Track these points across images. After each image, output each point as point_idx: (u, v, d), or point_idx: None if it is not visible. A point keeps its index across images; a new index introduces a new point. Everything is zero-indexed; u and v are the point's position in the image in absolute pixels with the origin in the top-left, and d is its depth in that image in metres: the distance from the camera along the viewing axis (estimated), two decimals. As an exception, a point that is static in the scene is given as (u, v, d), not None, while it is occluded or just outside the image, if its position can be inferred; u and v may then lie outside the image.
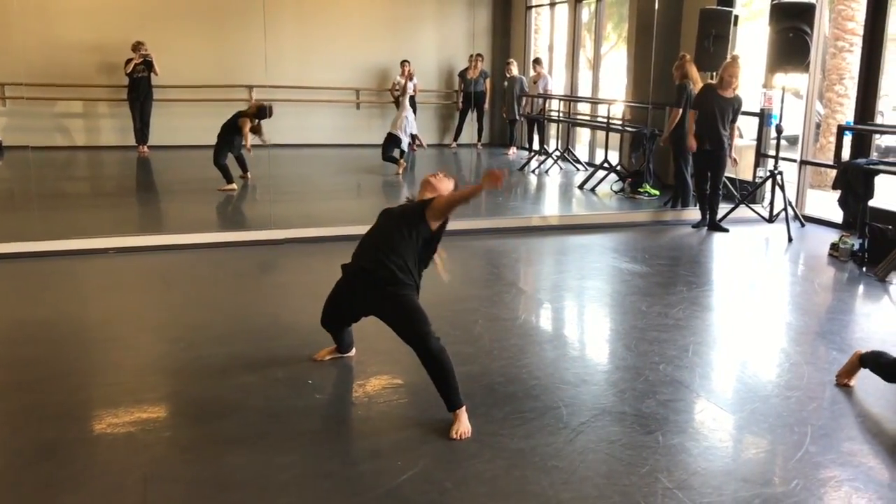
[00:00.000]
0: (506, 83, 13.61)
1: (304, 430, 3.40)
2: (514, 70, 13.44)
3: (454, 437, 3.31)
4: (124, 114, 12.60)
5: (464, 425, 3.37)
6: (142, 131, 12.51)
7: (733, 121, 7.63)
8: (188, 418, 3.55)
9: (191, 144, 12.73)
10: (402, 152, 11.21)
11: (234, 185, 9.27)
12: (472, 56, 14.04)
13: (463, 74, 14.14)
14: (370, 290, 3.63)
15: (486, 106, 14.20)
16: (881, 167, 7.21)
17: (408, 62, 13.56)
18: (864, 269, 6.44)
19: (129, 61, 12.09)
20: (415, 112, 13.81)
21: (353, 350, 4.23)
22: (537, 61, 13.31)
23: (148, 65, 12.14)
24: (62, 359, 4.19)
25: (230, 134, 9.37)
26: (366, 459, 3.24)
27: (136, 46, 12.06)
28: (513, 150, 13.51)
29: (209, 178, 9.46)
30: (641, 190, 9.46)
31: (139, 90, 12.25)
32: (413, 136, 11.48)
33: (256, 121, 9.51)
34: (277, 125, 12.72)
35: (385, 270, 3.56)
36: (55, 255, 6.25)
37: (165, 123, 12.76)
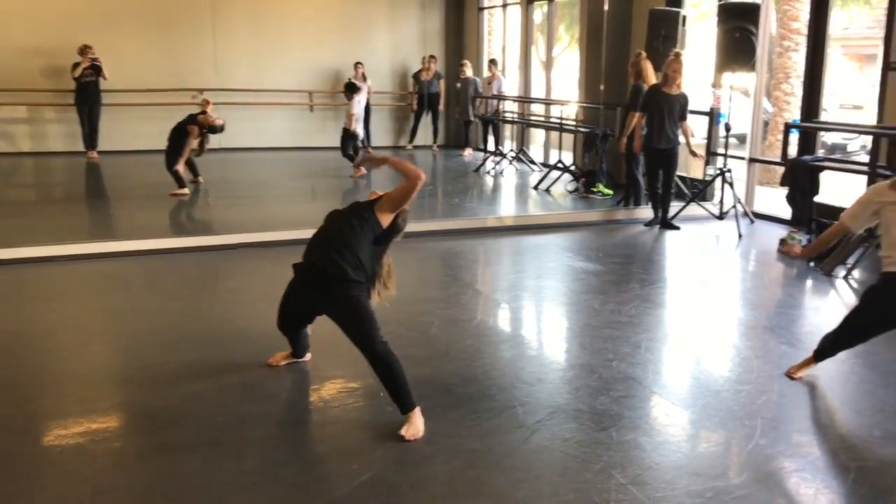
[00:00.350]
0: (459, 84, 13.65)
1: (258, 437, 3.37)
2: (468, 71, 13.48)
3: (405, 438, 3.30)
4: (72, 119, 12.36)
5: (414, 426, 3.35)
6: (90, 136, 12.29)
7: (682, 117, 7.73)
8: (139, 428, 3.49)
9: (141, 149, 12.56)
10: (357, 148, 11.16)
11: (187, 190, 9.14)
12: (425, 58, 14.06)
13: (417, 76, 14.15)
14: (321, 287, 3.60)
15: (441, 107, 14.25)
16: (826, 164, 7.40)
17: (361, 64, 13.53)
18: (811, 264, 6.58)
19: (76, 65, 11.85)
20: (369, 115, 13.80)
21: (309, 355, 4.20)
22: (493, 62, 13.37)
23: (96, 69, 11.92)
24: (8, 370, 4.09)
25: (181, 138, 9.25)
26: (321, 464, 3.22)
27: (84, 50, 11.83)
28: (468, 152, 13.56)
29: (161, 182, 9.32)
30: (595, 189, 9.56)
31: (87, 95, 12.02)
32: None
33: (206, 133, 9.41)
34: (231, 129, 12.59)
35: (335, 267, 3.53)
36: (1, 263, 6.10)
37: (115, 128, 12.54)
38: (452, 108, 14.26)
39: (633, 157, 8.40)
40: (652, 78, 8.29)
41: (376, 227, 3.67)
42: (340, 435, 3.42)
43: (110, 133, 12.48)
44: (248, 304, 5.34)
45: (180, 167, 9.23)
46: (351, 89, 11.19)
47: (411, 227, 7.74)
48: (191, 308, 5.28)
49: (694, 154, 8.03)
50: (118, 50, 12.40)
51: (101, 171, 11.47)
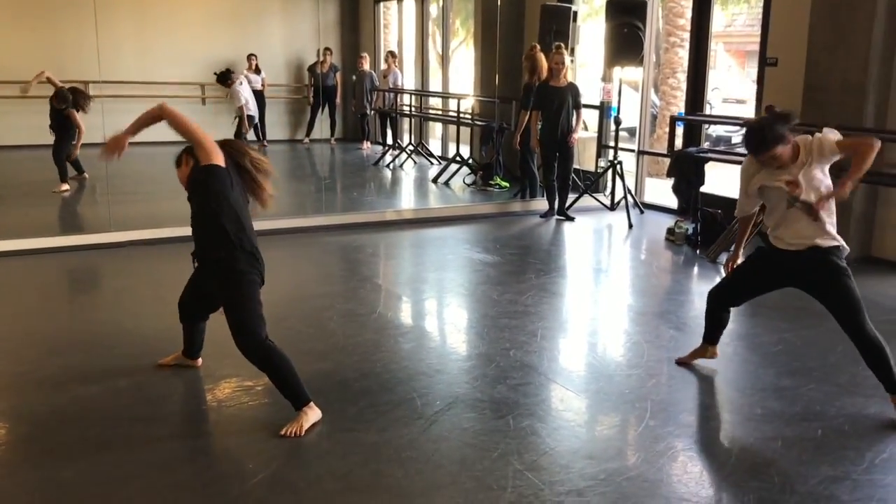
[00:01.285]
0: (354, 77, 13.54)
1: (149, 439, 3.26)
2: (366, 65, 13.39)
3: (284, 434, 3.24)
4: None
5: (297, 424, 3.29)
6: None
7: (576, 106, 7.89)
8: (20, 436, 3.33)
9: (18, 144, 11.89)
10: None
11: (68, 186, 8.74)
12: (320, 50, 13.88)
13: (312, 69, 13.95)
14: (210, 275, 3.51)
15: (338, 101, 14.10)
16: (711, 155, 7.71)
17: (254, 56, 13.25)
18: (697, 251, 6.86)
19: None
20: (264, 107, 13.53)
21: (200, 361, 4.06)
22: (391, 55, 13.34)
23: (-32, 59, 11.21)
24: None
25: (66, 128, 8.85)
26: (217, 464, 3.15)
27: (-47, 39, 11.12)
28: (367, 145, 13.48)
29: (43, 179, 8.88)
30: (492, 182, 9.67)
31: (-40, 87, 11.29)
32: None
33: (85, 104, 9.07)
34: (118, 122, 12.08)
35: (210, 251, 3.46)
36: None
37: (-7, 122, 11.85)
38: (349, 101, 14.12)
39: (528, 150, 8.54)
40: (545, 71, 8.44)
41: (204, 181, 3.52)
42: (236, 434, 3.35)
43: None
44: (136, 303, 5.16)
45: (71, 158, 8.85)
46: (223, 79, 10.83)
47: (309, 220, 7.71)
48: (74, 309, 5.07)
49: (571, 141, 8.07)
50: (-7, 39, 11.72)
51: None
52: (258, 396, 3.72)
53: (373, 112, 13.39)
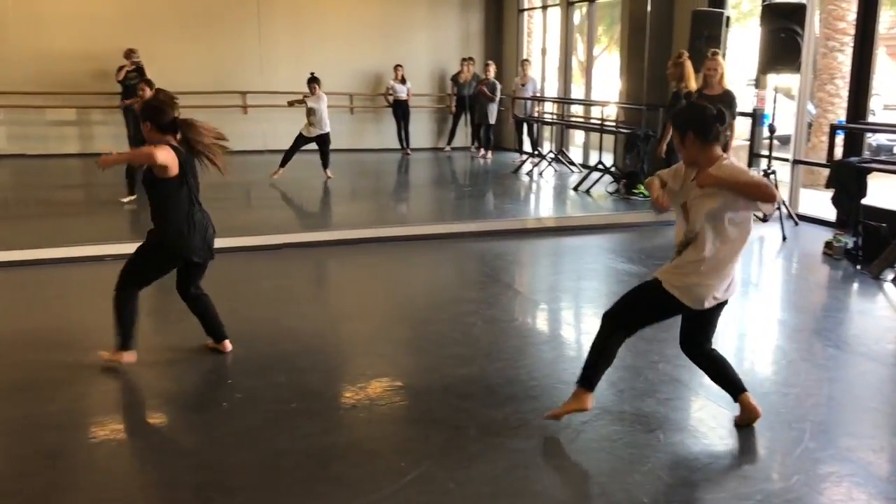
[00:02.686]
0: (476, 87, 13.49)
1: (306, 433, 3.40)
2: (491, 73, 13.38)
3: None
4: (118, 121, 12.58)
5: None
6: (135, 138, 12.46)
7: (730, 116, 7.63)
8: (189, 424, 3.55)
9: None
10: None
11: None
12: (463, 59, 14.09)
13: (455, 78, 14.18)
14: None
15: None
16: (873, 165, 7.27)
17: (401, 66, 13.61)
18: (858, 266, 6.48)
19: (120, 68, 12.08)
20: (408, 116, 13.85)
21: (226, 344, 4.35)
22: (525, 63, 13.35)
23: (140, 71, 12.11)
24: None
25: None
26: (369, 461, 3.23)
27: (129, 54, 12.03)
28: (482, 152, 13.45)
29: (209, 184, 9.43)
30: (636, 191, 9.50)
31: (132, 97, 12.22)
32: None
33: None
34: (275, 129, 12.76)
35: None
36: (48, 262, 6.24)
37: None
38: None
39: (674, 159, 8.32)
40: (693, 79, 8.21)
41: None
42: (388, 433, 3.46)
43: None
44: (293, 302, 5.41)
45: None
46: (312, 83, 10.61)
47: (450, 227, 7.81)
48: (237, 307, 5.34)
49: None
50: (164, 53, 12.61)
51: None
52: (409, 396, 3.82)
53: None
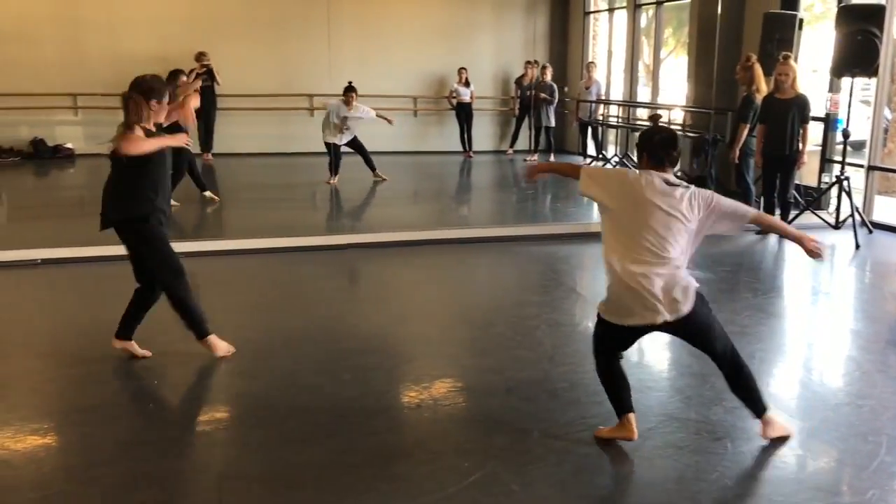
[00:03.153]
0: (534, 91, 13.37)
1: (370, 431, 3.44)
2: (548, 76, 13.28)
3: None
4: (189, 122, 12.92)
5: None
6: (206, 140, 12.80)
7: (803, 120, 7.45)
8: (258, 419, 3.62)
9: (254, 152, 13.08)
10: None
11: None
12: (527, 62, 14.04)
13: (519, 81, 14.14)
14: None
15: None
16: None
17: (465, 69, 13.64)
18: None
19: (191, 71, 12.39)
20: (471, 119, 13.87)
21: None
22: (590, 66, 13.24)
23: (210, 74, 12.42)
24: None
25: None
26: (433, 460, 3.25)
27: (199, 56, 12.35)
28: (534, 158, 13.35)
29: (277, 185, 9.64)
30: (702, 196, 9.33)
31: (204, 99, 12.46)
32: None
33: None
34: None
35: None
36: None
37: (229, 132, 13.04)
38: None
39: (745, 163, 8.18)
40: (763, 83, 8.05)
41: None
42: (451, 433, 3.47)
43: (224, 136, 12.98)
44: (357, 302, 5.48)
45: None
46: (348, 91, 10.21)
47: (512, 230, 7.80)
48: (308, 305, 5.43)
49: (800, 162, 7.67)
50: (235, 56, 12.89)
51: (215, 174, 11.94)
52: (472, 397, 3.83)
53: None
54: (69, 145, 12.86)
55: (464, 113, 13.86)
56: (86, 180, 11.56)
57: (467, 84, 13.71)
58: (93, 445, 3.31)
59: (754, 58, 8.15)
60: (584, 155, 12.79)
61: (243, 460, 3.20)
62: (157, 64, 12.82)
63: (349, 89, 10.22)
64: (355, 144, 10.52)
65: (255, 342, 4.60)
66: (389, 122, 10.52)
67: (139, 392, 3.93)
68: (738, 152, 8.06)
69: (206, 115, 12.68)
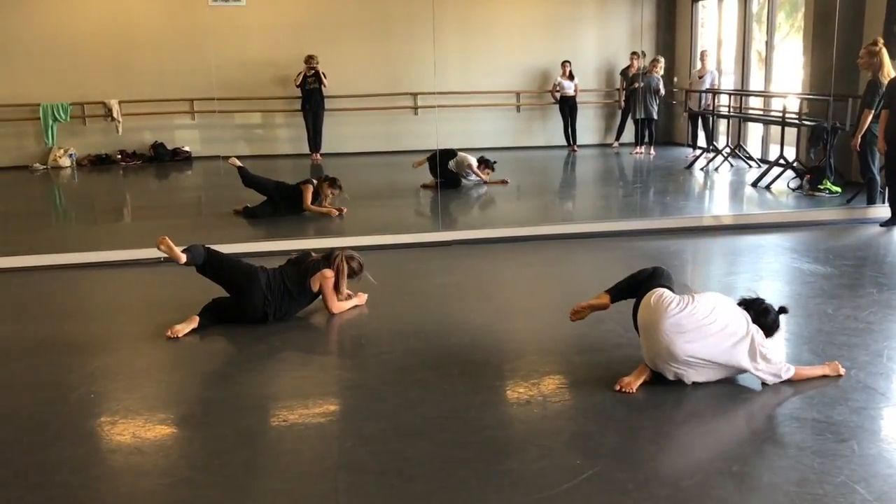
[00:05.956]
0: (640, 83, 12.99)
1: (478, 426, 3.46)
2: (660, 69, 12.87)
3: None
4: (298, 124, 13.31)
5: None
6: (314, 140, 13.16)
7: None
8: (373, 412, 3.70)
9: (360, 151, 13.36)
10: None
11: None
12: (633, 53, 13.76)
13: (625, 73, 13.88)
14: None
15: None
16: None
17: (568, 62, 13.51)
18: None
19: (299, 74, 12.76)
20: (575, 113, 13.72)
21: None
22: (704, 54, 12.85)
23: (317, 76, 12.75)
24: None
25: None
26: (545, 457, 3.24)
27: (308, 59, 12.70)
28: (639, 150, 12.99)
29: (377, 183, 9.78)
30: (822, 187, 8.93)
31: (312, 101, 12.90)
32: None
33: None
34: (447, 129, 13.00)
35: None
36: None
37: (336, 132, 13.37)
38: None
39: (870, 152, 7.77)
40: (890, 68, 7.61)
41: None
42: (562, 430, 3.45)
43: (332, 136, 13.31)
44: (463, 298, 5.51)
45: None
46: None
47: (620, 225, 7.70)
48: (419, 300, 5.50)
49: None
50: (342, 58, 13.19)
51: (321, 174, 12.24)
52: (582, 394, 3.79)
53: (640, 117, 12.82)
54: (186, 148, 13.47)
55: (567, 107, 13.72)
56: (203, 181, 12.09)
57: (571, 77, 13.57)
58: (214, 436, 3.46)
59: (881, 41, 7.72)
60: (694, 146, 12.42)
61: (358, 452, 3.27)
62: (266, 67, 13.33)
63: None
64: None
65: (367, 336, 4.70)
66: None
67: (250, 385, 4.07)
68: (859, 139, 7.66)
69: (315, 116, 13.05)
